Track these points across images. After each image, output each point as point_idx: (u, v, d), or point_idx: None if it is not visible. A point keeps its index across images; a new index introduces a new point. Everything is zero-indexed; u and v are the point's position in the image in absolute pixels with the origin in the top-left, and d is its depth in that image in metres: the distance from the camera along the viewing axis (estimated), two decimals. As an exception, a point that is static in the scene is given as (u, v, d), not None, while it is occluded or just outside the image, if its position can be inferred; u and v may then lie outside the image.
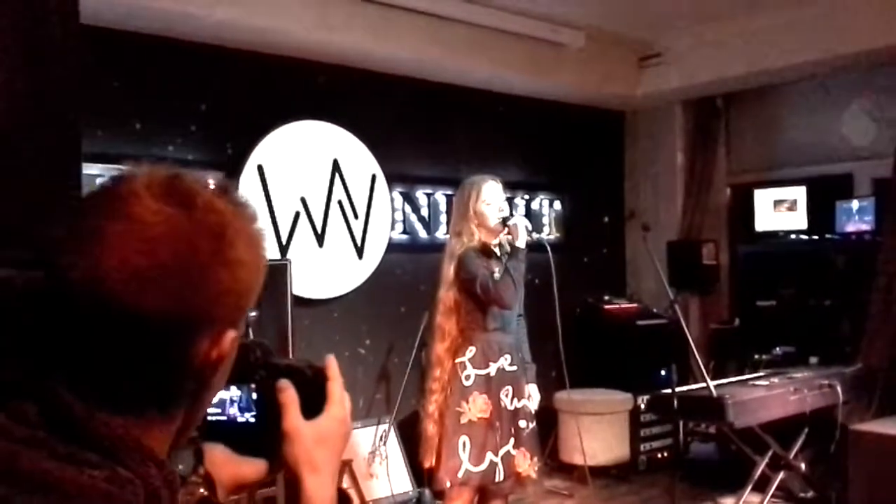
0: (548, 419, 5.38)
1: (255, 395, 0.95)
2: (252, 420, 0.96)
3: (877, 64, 5.56)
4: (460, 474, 3.38)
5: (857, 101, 5.97)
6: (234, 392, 0.96)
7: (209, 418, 0.95)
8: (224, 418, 0.96)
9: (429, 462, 3.51)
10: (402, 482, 4.99)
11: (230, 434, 0.96)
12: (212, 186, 0.80)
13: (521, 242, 3.45)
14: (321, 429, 0.95)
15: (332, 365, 0.99)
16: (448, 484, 3.43)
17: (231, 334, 0.79)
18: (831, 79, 5.96)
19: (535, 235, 3.58)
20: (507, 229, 3.51)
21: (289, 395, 0.94)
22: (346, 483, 4.45)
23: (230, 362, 0.82)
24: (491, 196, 3.54)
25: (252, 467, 0.98)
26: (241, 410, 0.96)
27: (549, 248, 3.60)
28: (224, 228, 0.76)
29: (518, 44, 5.63)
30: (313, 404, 0.95)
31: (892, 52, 5.24)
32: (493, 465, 3.40)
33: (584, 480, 5.25)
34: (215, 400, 0.94)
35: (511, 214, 3.59)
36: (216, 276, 0.75)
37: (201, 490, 0.93)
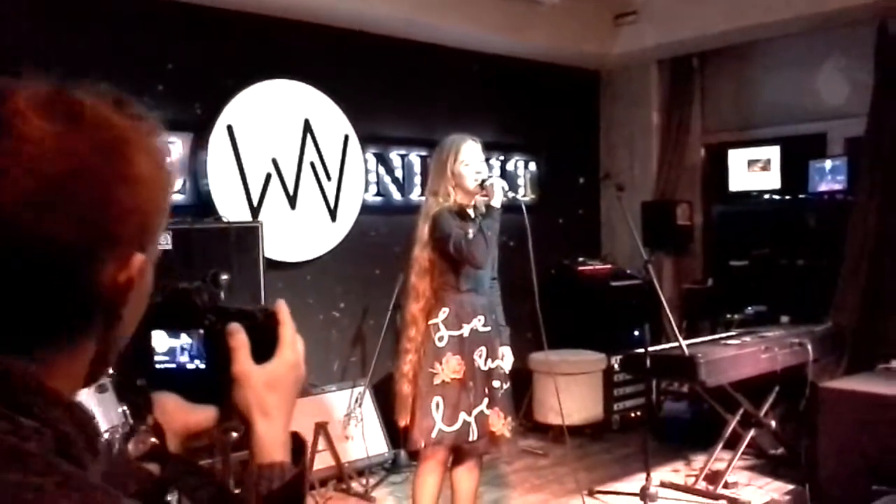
0: (522, 379, 5.41)
1: (203, 342, 0.93)
2: (202, 367, 0.93)
3: (851, 22, 5.54)
4: (434, 434, 3.39)
5: (831, 61, 5.96)
6: (185, 339, 0.93)
7: (158, 367, 0.93)
8: (174, 366, 0.94)
9: (404, 421, 3.52)
10: (378, 444, 5.00)
11: (181, 382, 0.94)
12: (104, 98, 0.76)
13: (496, 202, 3.43)
14: (272, 373, 0.92)
15: (283, 309, 0.96)
16: (422, 444, 3.45)
17: (139, 258, 0.73)
18: (806, 37, 5.94)
19: (510, 195, 3.55)
20: (483, 190, 3.48)
21: (239, 338, 0.92)
22: (321, 446, 4.45)
23: (145, 291, 0.77)
24: (469, 157, 3.51)
25: (203, 415, 0.95)
26: (192, 358, 0.93)
27: (525, 210, 3.57)
28: (119, 143, 0.72)
29: (493, 1, 5.54)
30: (264, 349, 0.93)
31: (867, 10, 5.23)
32: (466, 424, 3.41)
33: (559, 440, 5.30)
34: (164, 348, 0.93)
35: (489, 175, 3.56)
36: (114, 195, 0.70)
37: (152, 439, 0.92)
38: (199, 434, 0.96)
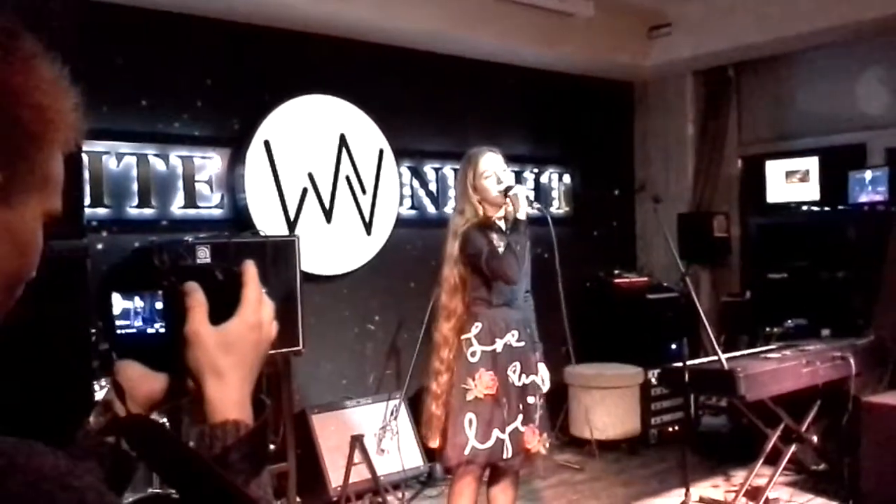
0: (558, 393, 5.37)
1: (161, 303, 0.88)
2: (162, 330, 0.88)
3: (890, 31, 5.46)
4: (467, 451, 3.34)
5: (870, 70, 5.88)
6: (139, 303, 0.88)
7: (119, 331, 0.89)
8: (134, 331, 0.89)
9: (433, 442, 3.49)
10: (413, 458, 5.00)
11: (143, 348, 0.90)
12: None
13: (521, 214, 3.38)
14: (227, 333, 0.88)
15: (250, 269, 0.91)
16: (455, 461, 3.41)
17: None
18: (845, 47, 5.87)
19: (536, 205, 3.52)
20: (507, 200, 3.44)
21: (195, 298, 0.87)
22: (357, 459, 4.45)
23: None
24: (490, 167, 3.47)
25: (161, 381, 0.91)
26: (145, 321, 0.88)
27: (550, 220, 3.51)
28: None
29: (526, 14, 5.55)
30: (224, 309, 0.88)
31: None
32: (499, 441, 3.36)
33: (595, 454, 5.26)
34: (118, 311, 0.89)
35: (512, 185, 3.48)
36: None
37: (115, 409, 0.88)
38: (162, 403, 0.93)
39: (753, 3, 5.67)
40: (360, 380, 5.30)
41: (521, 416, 3.42)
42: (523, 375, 3.46)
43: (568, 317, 3.69)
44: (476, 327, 3.43)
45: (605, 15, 5.87)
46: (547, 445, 3.55)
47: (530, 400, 3.47)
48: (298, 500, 4.50)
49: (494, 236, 3.42)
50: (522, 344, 3.48)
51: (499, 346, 3.42)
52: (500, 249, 3.35)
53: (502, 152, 3.60)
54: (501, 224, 3.49)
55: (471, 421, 3.35)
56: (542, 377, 3.58)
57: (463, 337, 3.43)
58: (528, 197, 3.44)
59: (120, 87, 4.37)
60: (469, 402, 3.36)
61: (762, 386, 4.18)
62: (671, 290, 6.17)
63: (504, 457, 3.38)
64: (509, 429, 3.38)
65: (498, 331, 3.43)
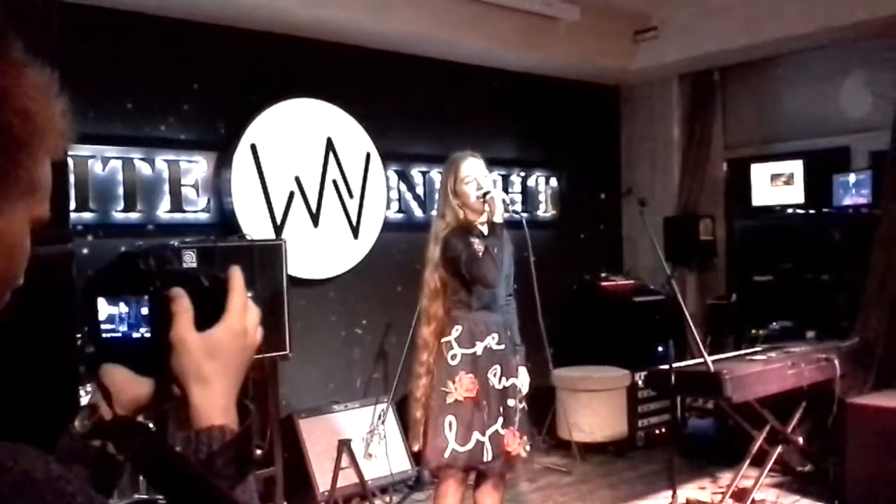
0: (545, 396, 5.38)
1: (147, 308, 0.88)
2: (147, 335, 0.88)
3: (874, 35, 5.51)
4: (447, 454, 3.35)
5: (854, 74, 5.93)
6: (124, 308, 0.88)
7: (105, 335, 0.89)
8: (120, 335, 0.89)
9: (417, 445, 3.50)
10: (401, 461, 4.99)
11: (126, 352, 0.89)
12: None
13: (498, 217, 3.41)
14: (213, 340, 0.88)
15: (235, 276, 0.91)
16: (435, 464, 3.42)
17: None
18: (829, 50, 5.91)
19: (512, 208, 3.54)
20: (485, 205, 3.46)
21: (181, 303, 0.87)
22: (344, 463, 4.45)
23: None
24: (470, 172, 3.49)
25: (146, 386, 0.92)
26: (130, 327, 0.88)
27: (525, 225, 3.56)
28: None
29: (512, 18, 5.57)
30: (210, 316, 0.88)
31: (889, 23, 5.20)
32: (480, 444, 3.37)
33: (582, 457, 5.27)
34: (104, 315, 0.89)
35: (490, 190, 3.49)
36: None
37: (100, 412, 0.89)
38: (148, 407, 0.93)
39: (739, 7, 5.71)
40: (347, 384, 5.30)
41: (501, 419, 3.43)
42: (503, 378, 3.47)
43: (553, 319, 3.72)
44: (456, 330, 3.44)
45: (590, 19, 5.89)
46: (528, 448, 3.56)
47: (510, 403, 3.48)
48: (286, 504, 4.48)
49: (474, 241, 3.43)
50: (503, 347, 3.49)
51: (479, 349, 3.43)
52: (479, 254, 3.36)
53: (488, 156, 3.63)
54: (484, 229, 3.50)
55: (450, 423, 3.36)
56: (522, 380, 3.59)
57: (443, 340, 3.45)
58: (504, 200, 3.46)
59: (105, 90, 4.35)
60: (449, 405, 3.37)
61: (748, 388, 4.20)
62: (657, 293, 6.19)
63: (484, 459, 3.39)
64: (489, 431, 3.39)
65: (478, 334, 3.45)
